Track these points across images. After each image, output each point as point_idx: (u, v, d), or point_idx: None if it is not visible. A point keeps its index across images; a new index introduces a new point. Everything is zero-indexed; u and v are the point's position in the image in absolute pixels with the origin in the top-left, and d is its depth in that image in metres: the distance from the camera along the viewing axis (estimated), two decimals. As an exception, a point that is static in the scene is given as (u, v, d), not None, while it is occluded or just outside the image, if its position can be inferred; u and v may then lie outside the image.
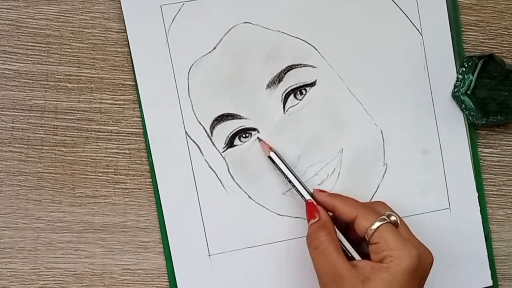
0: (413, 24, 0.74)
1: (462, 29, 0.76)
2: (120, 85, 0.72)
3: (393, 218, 0.66)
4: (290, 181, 0.71)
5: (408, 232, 0.67)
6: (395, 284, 0.62)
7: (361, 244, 0.68)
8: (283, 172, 0.71)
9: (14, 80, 0.71)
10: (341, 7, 0.74)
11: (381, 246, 0.64)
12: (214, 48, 0.72)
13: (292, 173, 0.71)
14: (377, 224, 0.65)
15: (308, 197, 0.70)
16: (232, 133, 0.73)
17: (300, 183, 0.71)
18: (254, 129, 0.73)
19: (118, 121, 0.72)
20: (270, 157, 0.72)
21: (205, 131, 0.72)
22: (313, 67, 0.74)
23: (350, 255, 0.68)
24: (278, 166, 0.71)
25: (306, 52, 0.73)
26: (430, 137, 0.75)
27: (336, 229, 0.68)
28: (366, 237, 0.65)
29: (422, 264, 0.64)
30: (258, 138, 0.73)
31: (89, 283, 0.73)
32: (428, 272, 0.66)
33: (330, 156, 0.74)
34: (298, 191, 0.71)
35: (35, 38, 0.71)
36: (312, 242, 0.67)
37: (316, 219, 0.68)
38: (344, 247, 0.68)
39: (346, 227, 0.69)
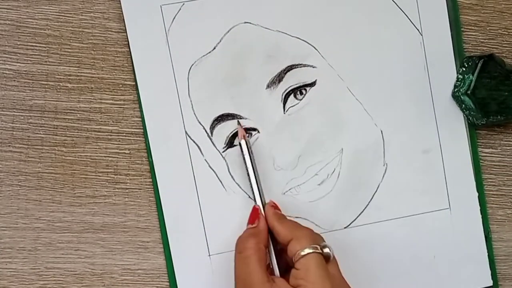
0: (413, 24, 0.74)
1: (462, 29, 0.76)
2: (120, 85, 0.72)
3: (326, 250, 0.64)
4: (249, 178, 0.71)
5: (335, 270, 0.65)
6: None
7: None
8: (246, 166, 0.71)
9: (14, 80, 0.71)
10: (341, 7, 0.74)
11: (300, 274, 0.63)
12: (214, 48, 0.72)
13: (254, 171, 0.71)
14: (307, 250, 0.63)
15: (258, 202, 0.70)
16: (232, 133, 0.73)
17: (258, 184, 0.71)
18: (254, 129, 0.73)
19: (118, 121, 0.72)
20: (240, 144, 0.71)
21: (205, 131, 0.73)
22: (313, 67, 0.74)
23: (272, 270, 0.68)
24: (244, 156, 0.71)
25: (306, 52, 0.73)
26: (430, 137, 0.75)
27: (270, 243, 0.68)
28: (293, 260, 0.64)
29: None
30: (238, 122, 0.73)
31: (89, 283, 0.73)
32: None
33: (330, 156, 0.74)
34: (252, 190, 0.71)
35: (35, 38, 0.71)
36: (238, 245, 0.67)
37: (254, 225, 0.69)
38: (270, 260, 0.68)
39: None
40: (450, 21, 0.75)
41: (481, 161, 0.76)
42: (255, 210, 0.70)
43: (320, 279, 0.62)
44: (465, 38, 0.76)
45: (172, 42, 0.72)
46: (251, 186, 0.70)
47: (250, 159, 0.70)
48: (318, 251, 0.64)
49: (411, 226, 0.75)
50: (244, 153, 0.71)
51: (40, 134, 0.72)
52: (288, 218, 0.70)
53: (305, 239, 0.64)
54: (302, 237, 0.65)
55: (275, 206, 0.71)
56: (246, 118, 0.73)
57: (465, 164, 0.75)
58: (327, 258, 0.64)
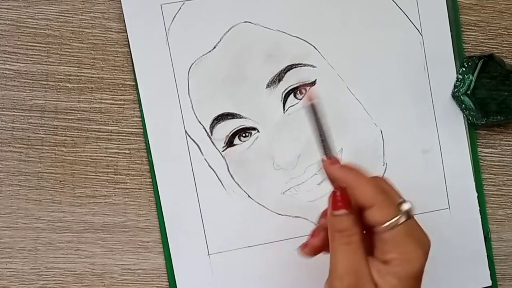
0: (413, 24, 0.74)
1: (462, 29, 0.76)
2: (120, 85, 0.72)
3: (405, 207, 0.57)
4: (321, 139, 0.60)
5: (417, 224, 0.59)
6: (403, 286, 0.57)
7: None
8: (318, 127, 0.60)
9: (14, 80, 0.71)
10: (341, 7, 0.74)
11: (390, 247, 0.57)
12: (214, 47, 0.72)
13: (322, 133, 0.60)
14: (393, 223, 0.56)
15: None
16: (232, 133, 0.73)
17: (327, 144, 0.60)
18: (254, 129, 0.73)
19: (118, 121, 0.72)
20: (312, 105, 0.60)
21: (205, 130, 0.73)
22: (313, 67, 0.74)
23: None
24: (316, 118, 0.60)
25: (306, 52, 0.73)
26: (430, 137, 0.75)
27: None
28: (375, 231, 0.57)
29: (426, 258, 0.59)
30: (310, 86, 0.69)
31: (89, 283, 0.73)
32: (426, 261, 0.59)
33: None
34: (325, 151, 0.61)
35: (35, 38, 0.71)
36: (343, 236, 0.58)
37: (348, 211, 0.58)
38: None
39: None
40: (450, 21, 0.75)
41: (481, 161, 0.77)
42: (343, 194, 0.59)
43: (412, 249, 0.57)
44: (465, 38, 0.76)
45: (172, 41, 0.72)
46: (322, 146, 0.60)
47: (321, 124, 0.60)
48: (404, 219, 0.57)
49: (411, 226, 0.75)
50: (317, 117, 0.60)
51: (40, 134, 0.72)
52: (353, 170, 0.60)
53: (388, 206, 0.57)
54: (385, 204, 0.57)
55: (334, 161, 0.60)
56: (246, 118, 0.73)
57: (465, 164, 0.76)
58: (408, 216, 0.57)
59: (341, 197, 0.59)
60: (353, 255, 0.58)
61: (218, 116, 0.73)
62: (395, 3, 0.74)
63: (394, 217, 0.57)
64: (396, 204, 0.58)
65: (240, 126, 0.73)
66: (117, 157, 0.73)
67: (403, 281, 0.57)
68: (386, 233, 0.57)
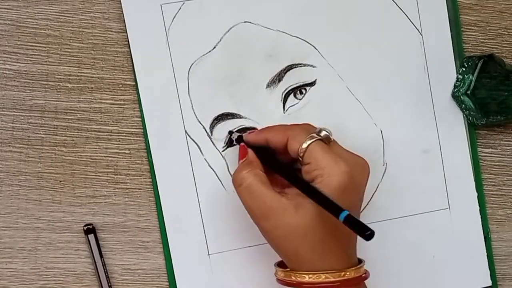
0: (413, 24, 0.74)
1: (462, 29, 0.76)
2: (120, 85, 0.72)
3: (323, 133, 0.64)
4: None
5: (339, 148, 0.65)
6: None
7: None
8: None
9: (14, 80, 0.71)
10: (341, 7, 0.74)
11: (311, 166, 0.63)
12: (214, 47, 0.72)
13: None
14: (308, 142, 0.63)
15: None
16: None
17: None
18: (254, 129, 0.73)
19: (118, 121, 0.72)
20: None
21: (205, 130, 0.73)
22: (313, 67, 0.74)
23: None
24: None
25: (306, 52, 0.73)
26: (430, 137, 0.75)
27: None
28: (299, 159, 0.64)
29: (356, 179, 0.63)
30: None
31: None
32: (364, 184, 0.65)
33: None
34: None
35: (35, 38, 0.71)
36: (235, 180, 0.65)
37: (244, 159, 0.68)
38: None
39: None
40: (450, 21, 0.75)
41: (481, 161, 0.77)
42: (242, 147, 0.69)
43: (331, 161, 0.62)
44: (465, 38, 0.76)
45: (172, 41, 0.72)
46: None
47: None
48: (316, 138, 0.64)
49: (411, 226, 0.75)
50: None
51: (40, 134, 0.72)
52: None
53: (299, 134, 0.64)
54: (296, 134, 0.65)
55: (252, 131, 0.71)
56: (246, 118, 0.73)
57: (465, 164, 0.76)
58: (327, 140, 0.64)
59: (243, 149, 0.69)
60: (253, 194, 0.63)
61: (218, 116, 0.73)
62: (395, 3, 0.74)
63: (308, 139, 0.63)
64: (310, 133, 0.64)
65: (240, 126, 0.73)
66: (117, 157, 0.73)
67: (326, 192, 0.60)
68: (306, 155, 0.63)
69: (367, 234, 0.56)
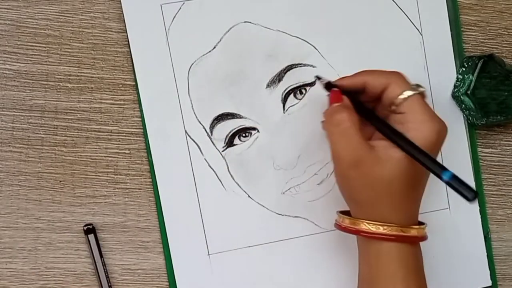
0: (413, 24, 0.74)
1: (462, 29, 0.76)
2: (120, 85, 0.72)
3: (421, 88, 0.63)
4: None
5: (429, 106, 0.64)
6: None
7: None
8: None
9: (14, 80, 0.71)
10: (341, 7, 0.74)
11: (407, 117, 0.62)
12: (214, 47, 0.72)
13: None
14: (409, 93, 0.62)
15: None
16: (232, 133, 0.73)
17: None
18: (254, 129, 0.73)
19: (118, 121, 0.72)
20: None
21: (205, 130, 0.73)
22: (313, 67, 0.74)
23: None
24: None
25: (306, 52, 0.73)
26: (430, 137, 0.75)
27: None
28: (394, 106, 0.63)
29: (441, 138, 0.63)
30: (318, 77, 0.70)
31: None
32: (441, 146, 0.64)
33: (330, 155, 0.74)
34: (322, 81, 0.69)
35: (35, 38, 0.71)
36: (333, 119, 0.63)
37: (339, 103, 0.65)
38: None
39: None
40: (450, 21, 0.75)
41: (480, 161, 0.77)
42: (334, 92, 0.66)
43: (429, 117, 0.62)
44: (465, 38, 0.76)
45: (172, 41, 0.72)
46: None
47: None
48: (419, 90, 0.63)
49: (411, 226, 0.75)
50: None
51: (40, 134, 0.72)
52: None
53: (401, 82, 0.63)
54: (398, 81, 0.63)
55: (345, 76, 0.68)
56: (246, 118, 0.73)
57: (465, 164, 0.76)
58: (423, 96, 0.64)
59: (337, 94, 0.65)
60: (350, 139, 0.62)
61: (218, 116, 0.73)
62: (395, 3, 0.74)
63: (409, 89, 0.62)
64: (409, 84, 0.63)
65: (240, 126, 0.73)
66: (117, 157, 0.73)
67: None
68: (404, 104, 0.62)
69: (471, 195, 0.56)
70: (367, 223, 0.62)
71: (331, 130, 0.63)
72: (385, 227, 0.62)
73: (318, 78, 0.69)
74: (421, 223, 0.65)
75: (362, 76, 0.66)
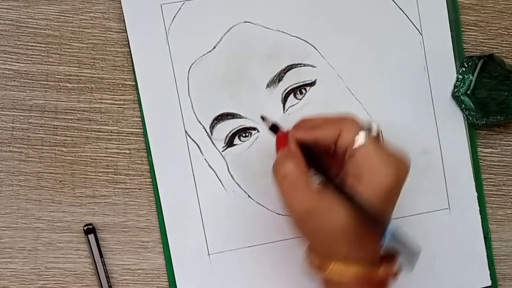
0: (413, 24, 0.74)
1: (462, 29, 0.76)
2: (120, 85, 0.72)
3: (374, 128, 0.61)
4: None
5: (385, 144, 0.62)
6: (372, 202, 0.59)
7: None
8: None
9: (14, 80, 0.71)
10: (341, 7, 0.74)
11: (362, 163, 0.60)
12: (214, 47, 0.72)
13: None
14: (361, 138, 0.60)
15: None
16: (232, 133, 0.73)
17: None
18: (254, 129, 0.73)
19: (118, 121, 0.72)
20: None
21: (205, 130, 0.73)
22: (313, 67, 0.74)
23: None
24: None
25: (306, 52, 0.73)
26: (430, 137, 0.75)
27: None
28: (348, 151, 0.61)
29: (401, 179, 0.61)
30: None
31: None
32: (403, 183, 0.62)
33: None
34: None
35: (35, 38, 0.71)
36: (279, 171, 0.62)
37: (285, 148, 0.64)
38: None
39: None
40: (450, 21, 0.75)
41: (480, 161, 0.77)
42: (280, 137, 0.66)
43: (384, 163, 0.60)
44: (465, 38, 0.76)
45: (172, 41, 0.72)
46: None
47: None
48: (370, 134, 0.60)
49: (411, 226, 0.75)
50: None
51: (40, 134, 0.72)
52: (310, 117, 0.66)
53: (352, 126, 0.61)
54: (348, 126, 0.61)
55: (293, 128, 0.66)
56: (246, 118, 0.73)
57: (465, 164, 0.76)
58: (377, 136, 0.61)
59: (283, 138, 0.64)
60: (298, 191, 0.61)
61: (218, 116, 0.73)
62: (395, 3, 0.74)
63: (361, 134, 0.60)
64: (361, 126, 0.61)
65: (240, 126, 0.73)
66: (117, 157, 0.73)
67: (373, 195, 0.59)
68: (357, 153, 0.60)
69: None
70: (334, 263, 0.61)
71: (279, 182, 0.62)
72: (351, 267, 0.61)
73: (263, 118, 0.71)
74: (389, 256, 0.63)
75: (311, 133, 0.63)
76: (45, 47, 0.71)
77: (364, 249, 0.61)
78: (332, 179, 0.62)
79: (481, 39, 0.76)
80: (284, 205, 0.62)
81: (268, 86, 0.73)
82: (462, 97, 0.74)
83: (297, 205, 0.61)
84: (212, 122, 0.73)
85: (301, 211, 0.61)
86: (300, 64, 0.73)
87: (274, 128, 0.68)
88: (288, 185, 0.61)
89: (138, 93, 0.72)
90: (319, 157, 0.63)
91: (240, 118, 0.73)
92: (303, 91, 0.73)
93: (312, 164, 0.63)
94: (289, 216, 0.64)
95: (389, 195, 0.60)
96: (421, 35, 0.74)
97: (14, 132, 0.72)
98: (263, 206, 0.74)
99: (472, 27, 0.76)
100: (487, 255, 0.76)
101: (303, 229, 0.63)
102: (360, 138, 0.60)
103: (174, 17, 0.72)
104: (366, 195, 0.59)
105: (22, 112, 0.72)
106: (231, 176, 0.73)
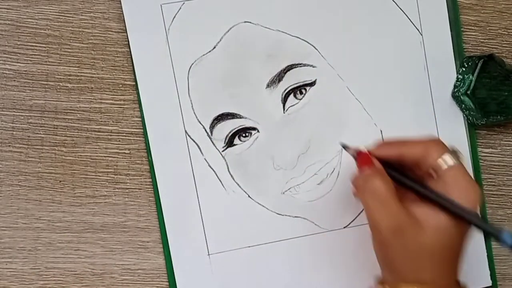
0: (413, 24, 0.74)
1: (462, 29, 0.76)
2: (120, 85, 0.72)
3: (461, 155, 0.63)
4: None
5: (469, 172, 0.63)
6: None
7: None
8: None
9: (14, 80, 0.71)
10: (341, 7, 0.74)
11: (450, 186, 0.60)
12: (214, 47, 0.72)
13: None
14: (450, 160, 0.61)
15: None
16: (232, 133, 0.73)
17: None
18: (254, 129, 0.73)
19: (118, 121, 0.72)
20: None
21: (205, 130, 0.73)
22: (313, 67, 0.74)
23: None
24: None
25: (306, 52, 0.73)
26: (430, 137, 0.75)
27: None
28: (433, 172, 0.62)
29: (480, 203, 0.62)
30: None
31: (89, 283, 0.73)
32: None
33: (330, 155, 0.74)
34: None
35: (35, 38, 0.71)
36: (367, 187, 0.62)
37: (370, 166, 0.64)
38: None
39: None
40: (450, 21, 0.75)
41: (481, 161, 0.77)
42: (361, 154, 0.65)
43: (470, 185, 0.61)
44: (465, 38, 0.76)
45: (172, 41, 0.72)
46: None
47: None
48: (458, 158, 0.62)
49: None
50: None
51: (40, 134, 0.72)
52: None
53: (439, 146, 0.62)
54: (436, 146, 0.62)
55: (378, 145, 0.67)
56: (246, 118, 0.73)
57: (465, 164, 0.75)
58: (460, 161, 0.62)
59: (366, 157, 0.64)
60: (388, 207, 0.60)
61: (218, 116, 0.73)
62: (395, 3, 0.74)
63: (449, 156, 0.61)
64: (447, 148, 0.62)
65: (240, 126, 0.73)
66: (117, 157, 0.73)
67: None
68: (446, 173, 0.60)
69: None
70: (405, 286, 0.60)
71: (366, 199, 0.62)
72: None
73: (344, 147, 0.69)
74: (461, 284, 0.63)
75: (397, 148, 0.64)
76: (45, 47, 0.71)
77: (444, 275, 0.61)
78: (422, 191, 0.61)
79: (481, 39, 0.76)
80: (371, 222, 0.61)
81: (268, 86, 0.73)
82: (462, 97, 0.74)
83: (386, 221, 0.60)
84: (212, 122, 0.73)
85: (390, 227, 0.60)
86: (300, 64, 0.73)
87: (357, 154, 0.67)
88: (377, 201, 0.61)
89: (138, 93, 0.72)
90: (405, 175, 0.63)
91: (240, 118, 0.73)
92: (303, 91, 0.73)
93: (398, 182, 0.63)
94: (374, 236, 0.62)
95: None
96: (421, 35, 0.74)
97: (14, 132, 0.72)
98: (263, 206, 0.74)
99: (472, 27, 0.76)
100: (487, 255, 0.76)
101: (388, 249, 0.61)
102: (449, 160, 0.61)
103: (174, 17, 0.72)
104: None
105: (22, 112, 0.71)
106: (231, 176, 0.73)
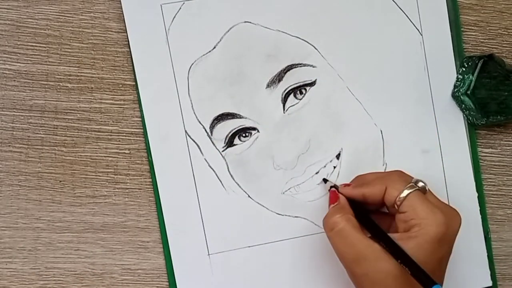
0: (413, 24, 0.74)
1: (462, 29, 0.76)
2: (120, 85, 0.72)
3: (421, 184, 0.66)
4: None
5: (434, 198, 0.67)
6: (421, 253, 0.62)
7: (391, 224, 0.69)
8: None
9: (14, 80, 0.71)
10: (341, 7, 0.74)
11: (409, 215, 0.64)
12: (214, 47, 0.72)
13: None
14: (407, 191, 0.65)
15: (329, 184, 0.72)
16: (232, 133, 0.73)
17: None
18: (254, 129, 0.73)
19: (118, 121, 0.72)
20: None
21: (205, 130, 0.73)
22: (313, 67, 0.74)
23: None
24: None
25: (306, 52, 0.73)
26: (430, 137, 0.75)
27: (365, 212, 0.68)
28: (396, 207, 0.65)
29: (450, 229, 0.64)
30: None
31: (89, 283, 0.73)
32: (456, 235, 0.65)
33: (330, 155, 0.74)
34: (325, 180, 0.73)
35: (35, 38, 0.71)
36: (327, 224, 0.66)
37: (335, 203, 0.68)
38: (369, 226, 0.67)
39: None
40: (450, 21, 0.75)
41: (481, 161, 0.77)
42: (332, 192, 0.70)
43: (430, 211, 0.63)
44: (465, 38, 0.76)
45: (172, 41, 0.72)
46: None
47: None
48: (415, 188, 0.65)
49: (411, 226, 0.75)
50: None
51: (40, 134, 0.72)
52: (360, 176, 0.73)
53: (398, 182, 0.66)
54: (394, 182, 0.66)
55: (347, 184, 0.72)
56: (246, 118, 0.73)
57: (465, 164, 0.75)
58: (423, 191, 0.66)
59: (333, 194, 0.70)
60: (346, 238, 0.64)
61: (218, 116, 0.73)
62: (395, 3, 0.74)
63: (406, 188, 0.65)
64: (408, 182, 0.66)
65: (240, 126, 0.73)
66: (117, 157, 0.73)
67: (425, 245, 0.62)
68: (404, 204, 0.65)
69: None
70: None
71: (329, 233, 0.66)
72: None
73: (325, 180, 0.73)
74: None
75: (359, 190, 0.69)
76: (45, 47, 0.71)
77: None
78: (380, 234, 0.65)
79: (481, 39, 0.76)
80: (337, 255, 0.65)
81: (268, 86, 0.73)
82: (462, 97, 0.74)
83: (347, 252, 0.64)
84: (212, 122, 0.73)
85: (351, 257, 0.64)
86: (300, 64, 0.73)
87: (332, 186, 0.72)
88: (337, 234, 0.65)
89: (138, 93, 0.72)
90: (368, 213, 0.68)
91: (240, 118, 0.73)
92: (303, 91, 0.73)
93: (363, 221, 0.67)
94: (344, 267, 0.66)
95: (438, 245, 0.63)
96: (421, 35, 0.74)
97: (14, 132, 0.72)
98: (263, 206, 0.74)
99: (472, 27, 0.76)
100: (487, 255, 0.76)
101: (355, 277, 0.64)
102: (405, 191, 0.65)
103: (174, 17, 0.72)
104: (414, 248, 0.62)
105: (22, 112, 0.71)
106: (231, 176, 0.73)
